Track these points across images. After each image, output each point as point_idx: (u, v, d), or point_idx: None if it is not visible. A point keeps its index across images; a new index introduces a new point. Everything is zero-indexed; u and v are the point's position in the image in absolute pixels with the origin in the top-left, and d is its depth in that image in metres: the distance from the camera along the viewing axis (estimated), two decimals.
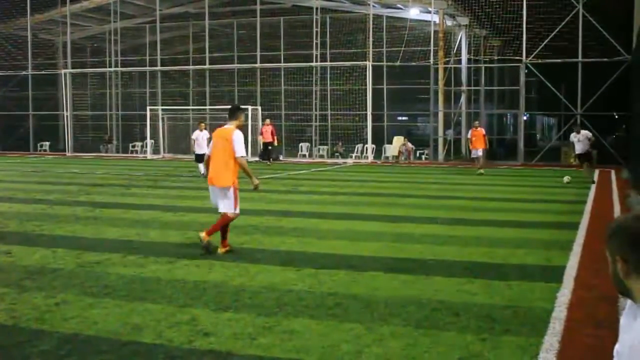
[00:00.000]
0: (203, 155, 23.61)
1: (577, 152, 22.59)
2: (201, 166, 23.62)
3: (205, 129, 25.10)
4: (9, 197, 17.48)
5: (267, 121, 32.21)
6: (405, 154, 35.10)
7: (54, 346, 5.97)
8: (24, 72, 43.10)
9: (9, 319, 6.75)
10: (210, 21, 39.74)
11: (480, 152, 26.87)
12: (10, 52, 44.07)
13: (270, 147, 31.63)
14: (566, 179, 21.73)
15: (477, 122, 28.36)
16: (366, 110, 34.93)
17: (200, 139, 24.09)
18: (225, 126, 10.28)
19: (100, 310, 7.07)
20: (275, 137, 31.74)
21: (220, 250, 10.01)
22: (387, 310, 7.05)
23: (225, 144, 9.99)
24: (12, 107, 43.94)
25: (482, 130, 27.38)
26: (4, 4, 42.38)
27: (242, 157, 10.04)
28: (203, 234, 9.92)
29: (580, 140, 22.21)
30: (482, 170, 26.01)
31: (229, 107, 11.01)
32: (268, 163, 31.00)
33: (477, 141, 26.96)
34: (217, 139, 10.22)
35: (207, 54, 39.64)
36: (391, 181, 23.22)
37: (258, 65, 38.85)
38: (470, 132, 27.80)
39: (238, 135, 10.05)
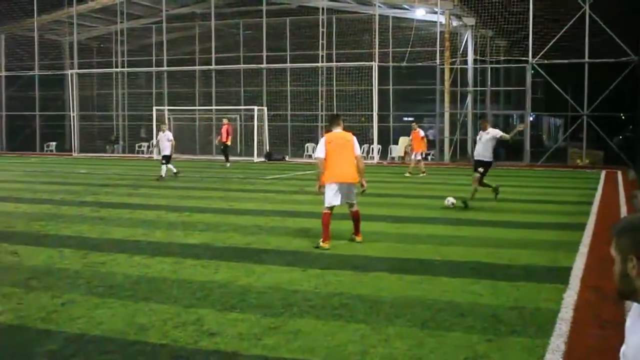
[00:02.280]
0: (165, 156, 23.53)
1: (475, 158, 16.49)
2: (164, 168, 23.39)
3: (169, 130, 24.86)
4: (16, 197, 17.53)
5: (225, 121, 31.22)
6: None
7: (60, 346, 5.98)
8: (30, 73, 43.21)
9: (15, 319, 6.77)
10: (216, 22, 39.77)
11: (413, 155, 26.20)
12: (17, 52, 44.20)
13: (225, 147, 30.54)
14: (449, 201, 15.57)
15: (414, 123, 27.33)
16: (372, 110, 34.90)
17: (161, 141, 23.97)
18: (337, 131, 11.17)
19: (106, 310, 7.08)
20: (229, 137, 30.31)
21: (359, 238, 11.11)
22: (392, 310, 7.04)
23: (348, 145, 10.97)
24: (18, 108, 44.06)
25: (420, 132, 26.17)
26: (11, 4, 42.49)
27: (361, 156, 11.30)
28: (359, 238, 11.09)
29: (482, 140, 16.15)
30: (408, 174, 25.22)
31: (331, 114, 11.80)
32: (227, 165, 30.17)
33: (414, 143, 26.20)
34: (337, 141, 11.03)
35: (213, 55, 39.67)
36: (397, 181, 23.21)
37: (264, 65, 38.87)
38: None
39: (355, 138, 11.23)
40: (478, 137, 16.55)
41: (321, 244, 10.65)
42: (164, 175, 23.23)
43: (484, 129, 16.18)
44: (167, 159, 23.58)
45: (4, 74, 44.32)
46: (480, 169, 15.89)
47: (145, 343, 6.03)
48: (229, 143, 30.24)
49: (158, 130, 25.12)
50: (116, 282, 8.26)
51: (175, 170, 23.53)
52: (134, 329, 6.40)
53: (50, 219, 13.67)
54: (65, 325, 6.56)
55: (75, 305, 7.25)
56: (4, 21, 43.57)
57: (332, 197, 10.88)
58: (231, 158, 32.32)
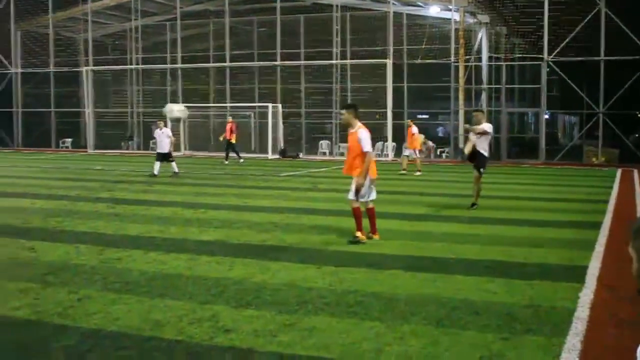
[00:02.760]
0: (164, 154, 23.21)
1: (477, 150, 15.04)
2: (174, 164, 23.19)
3: (166, 126, 24.49)
4: (32, 194, 17.65)
5: (229, 118, 31.17)
6: (426, 152, 34.99)
7: (77, 341, 6.03)
8: (46, 70, 43.43)
9: (32, 314, 6.83)
10: (230, 19, 39.82)
11: (407, 152, 25.85)
12: (33, 49, 44.41)
13: (229, 145, 30.49)
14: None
15: (409, 120, 26.81)
16: (386, 108, 34.85)
17: (159, 138, 23.56)
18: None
19: (122, 306, 7.12)
20: (233, 135, 30.24)
21: (376, 236, 11.02)
22: (407, 308, 7.04)
23: None
24: (34, 104, 44.32)
25: (412, 129, 25.69)
26: (26, 2, 42.73)
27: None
28: (376, 236, 10.98)
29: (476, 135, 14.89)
30: (418, 173, 24.70)
31: (354, 104, 11.55)
32: (225, 162, 30.17)
33: (408, 140, 25.91)
34: None
35: (227, 52, 39.72)
36: (411, 179, 23.16)
37: (278, 62, 38.89)
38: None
39: None
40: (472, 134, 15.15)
41: (360, 235, 10.65)
42: (177, 171, 23.14)
43: (479, 123, 14.86)
44: (167, 156, 23.23)
45: (19, 70, 44.57)
46: (482, 170, 15.12)
47: (161, 339, 6.07)
48: (233, 140, 30.21)
49: (155, 127, 24.66)
50: (132, 278, 8.30)
51: (156, 173, 22.92)
52: (149, 325, 6.44)
53: (66, 215, 13.76)
54: (81, 320, 6.61)
55: (91, 301, 7.30)
56: (19, 18, 43.80)
57: (366, 192, 10.77)
58: (245, 155, 32.38)
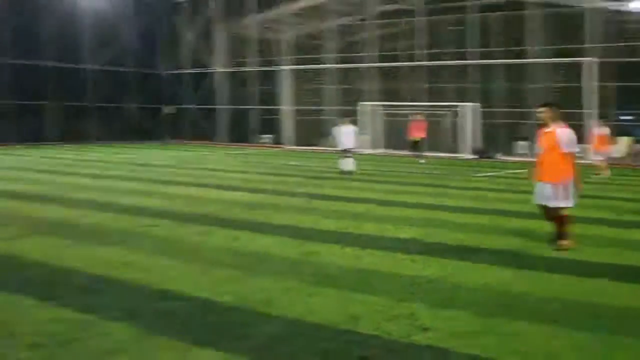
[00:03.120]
0: (349, 150, 23.02)
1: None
2: (350, 161, 22.99)
3: (351, 123, 24.36)
4: (236, 186, 18.59)
5: (415, 116, 30.97)
6: (633, 157, 32.92)
7: (278, 329, 6.27)
8: (248, 69, 45.58)
9: (236, 300, 7.18)
10: (422, 18, 39.78)
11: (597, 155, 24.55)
12: (235, 49, 46.80)
13: (414, 144, 30.53)
14: None
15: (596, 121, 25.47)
16: (587, 108, 33.11)
17: (344, 134, 23.17)
18: None
19: (320, 298, 7.31)
20: (419, 133, 30.28)
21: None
22: (615, 320, 6.63)
23: None
24: (236, 102, 46.64)
25: (596, 131, 24.58)
26: (230, 5, 45.20)
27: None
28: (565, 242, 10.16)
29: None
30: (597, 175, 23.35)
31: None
32: (421, 161, 29.63)
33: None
34: None
35: (421, 50, 39.66)
36: (614, 184, 21.82)
37: (473, 61, 38.23)
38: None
39: None
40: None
41: (567, 243, 10.10)
42: (352, 168, 22.94)
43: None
44: (347, 152, 23.12)
45: (226, 70, 47.10)
46: None
47: (358, 333, 6.16)
48: (417, 139, 30.15)
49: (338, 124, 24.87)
50: (329, 272, 8.49)
51: (351, 169, 22.81)
52: (346, 318, 6.56)
53: (266, 207, 14.34)
54: (282, 309, 6.86)
55: (291, 292, 7.55)
56: (226, 20, 46.31)
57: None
58: (440, 155, 32.15)
